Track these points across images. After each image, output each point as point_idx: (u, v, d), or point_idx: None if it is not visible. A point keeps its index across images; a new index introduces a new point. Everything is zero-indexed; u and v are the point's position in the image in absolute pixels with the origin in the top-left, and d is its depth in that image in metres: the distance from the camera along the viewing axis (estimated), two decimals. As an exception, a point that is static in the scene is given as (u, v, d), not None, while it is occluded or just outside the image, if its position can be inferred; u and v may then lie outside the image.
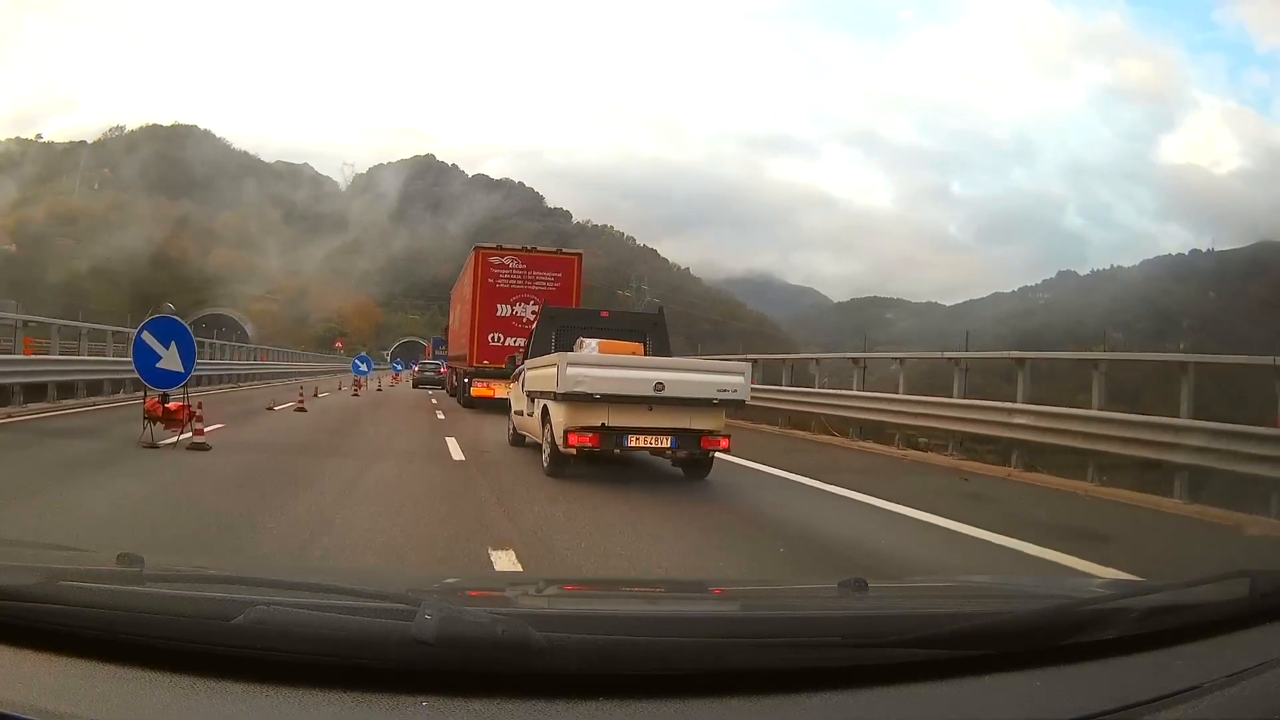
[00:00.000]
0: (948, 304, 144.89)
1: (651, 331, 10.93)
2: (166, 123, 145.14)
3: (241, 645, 1.21)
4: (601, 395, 8.46)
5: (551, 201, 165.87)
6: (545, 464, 9.33)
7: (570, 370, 8.52)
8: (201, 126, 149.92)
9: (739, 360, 14.28)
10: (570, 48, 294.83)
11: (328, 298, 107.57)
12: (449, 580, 2.10)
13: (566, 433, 8.58)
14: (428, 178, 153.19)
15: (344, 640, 1.21)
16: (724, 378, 9.00)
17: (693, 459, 9.17)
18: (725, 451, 9.08)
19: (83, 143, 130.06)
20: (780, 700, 1.25)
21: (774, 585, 3.19)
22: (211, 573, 1.70)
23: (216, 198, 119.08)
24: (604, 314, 11.91)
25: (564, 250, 20.48)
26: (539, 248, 20.55)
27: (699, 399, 8.68)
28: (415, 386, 39.53)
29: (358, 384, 30.98)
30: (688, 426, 8.73)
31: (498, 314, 19.56)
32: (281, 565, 4.53)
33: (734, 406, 9.07)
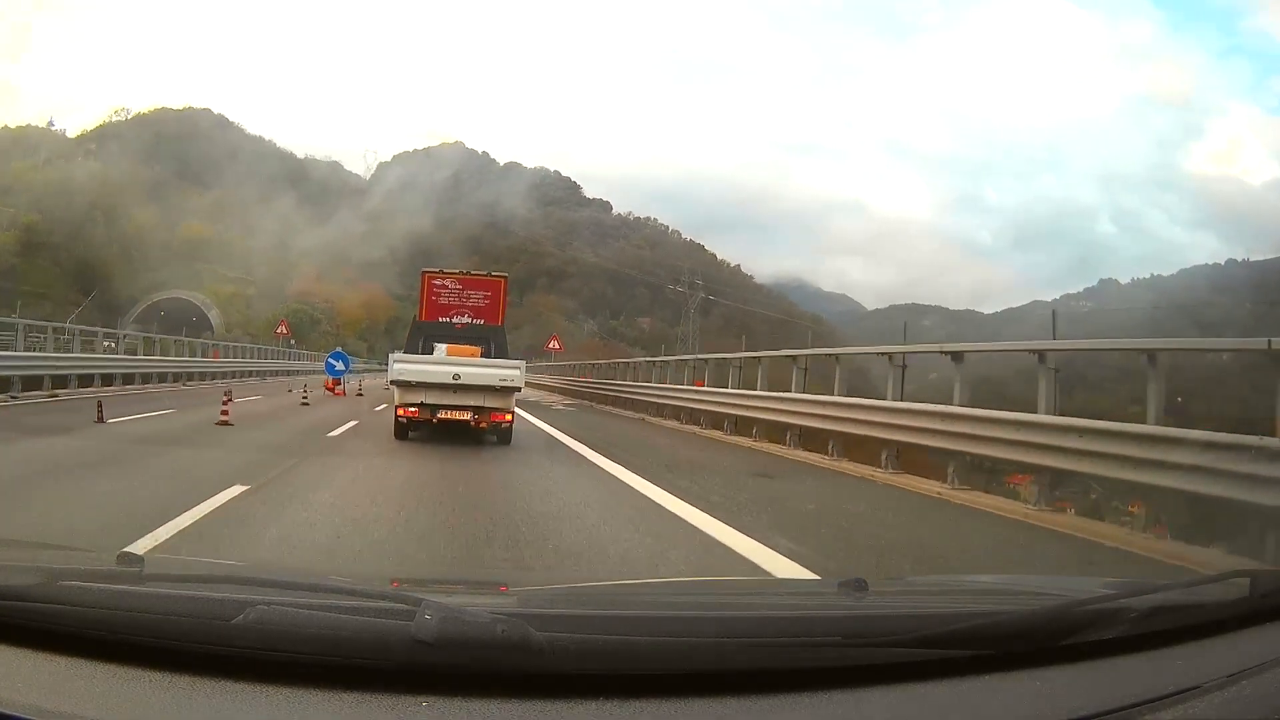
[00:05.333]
0: (985, 311, 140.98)
1: (493, 338, 14.42)
2: (178, 106, 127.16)
3: (241, 645, 1.21)
4: (417, 382, 11.86)
5: (589, 194, 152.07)
6: (394, 429, 12.55)
7: (397, 365, 12.03)
8: (215, 111, 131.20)
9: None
10: (599, 54, 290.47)
11: (322, 285, 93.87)
12: (449, 580, 2.10)
13: (398, 407, 12.26)
14: (456, 165, 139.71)
15: (344, 640, 1.21)
16: (504, 371, 12.17)
17: (492, 429, 12.38)
18: (509, 424, 12.34)
19: (98, 129, 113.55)
20: (780, 700, 1.25)
21: (774, 585, 3.20)
22: (211, 573, 1.70)
23: (217, 179, 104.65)
24: (458, 326, 15.60)
25: (493, 272, 23.73)
26: (473, 271, 23.67)
27: (487, 385, 11.94)
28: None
29: (99, 411, 13.02)
30: (481, 405, 12.03)
31: None
32: (281, 565, 4.53)
33: (514, 391, 12.18)
